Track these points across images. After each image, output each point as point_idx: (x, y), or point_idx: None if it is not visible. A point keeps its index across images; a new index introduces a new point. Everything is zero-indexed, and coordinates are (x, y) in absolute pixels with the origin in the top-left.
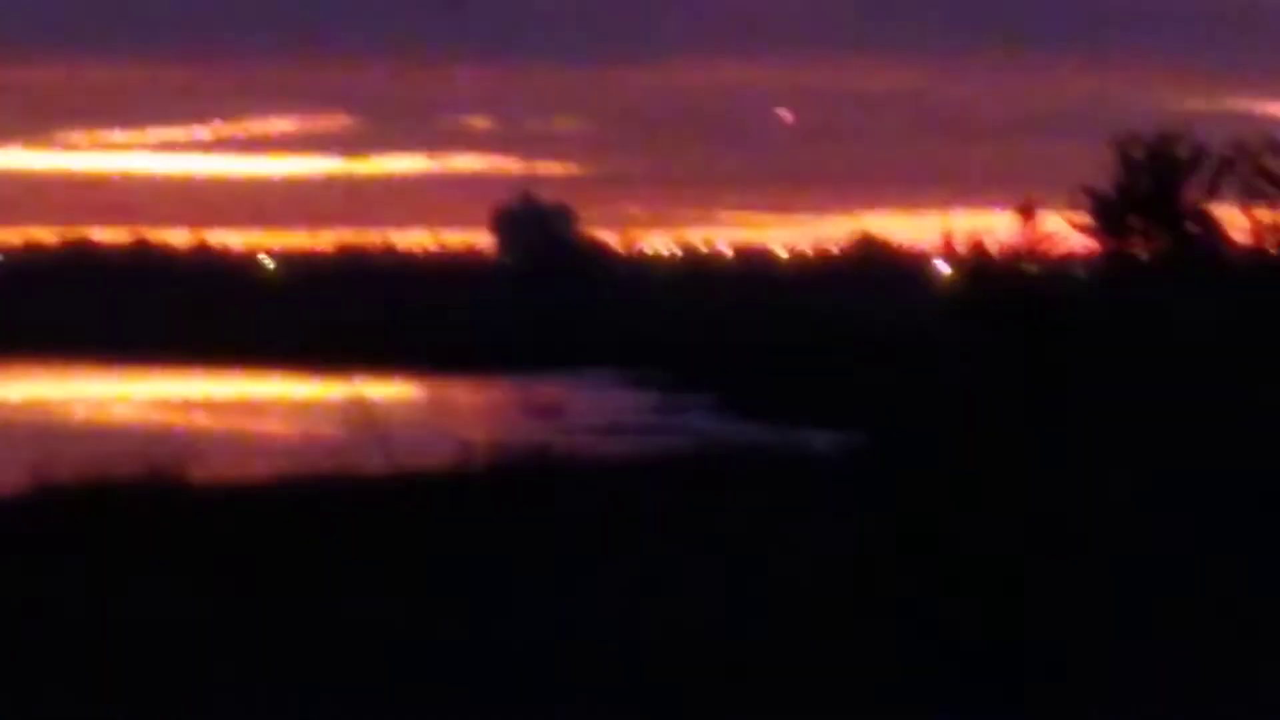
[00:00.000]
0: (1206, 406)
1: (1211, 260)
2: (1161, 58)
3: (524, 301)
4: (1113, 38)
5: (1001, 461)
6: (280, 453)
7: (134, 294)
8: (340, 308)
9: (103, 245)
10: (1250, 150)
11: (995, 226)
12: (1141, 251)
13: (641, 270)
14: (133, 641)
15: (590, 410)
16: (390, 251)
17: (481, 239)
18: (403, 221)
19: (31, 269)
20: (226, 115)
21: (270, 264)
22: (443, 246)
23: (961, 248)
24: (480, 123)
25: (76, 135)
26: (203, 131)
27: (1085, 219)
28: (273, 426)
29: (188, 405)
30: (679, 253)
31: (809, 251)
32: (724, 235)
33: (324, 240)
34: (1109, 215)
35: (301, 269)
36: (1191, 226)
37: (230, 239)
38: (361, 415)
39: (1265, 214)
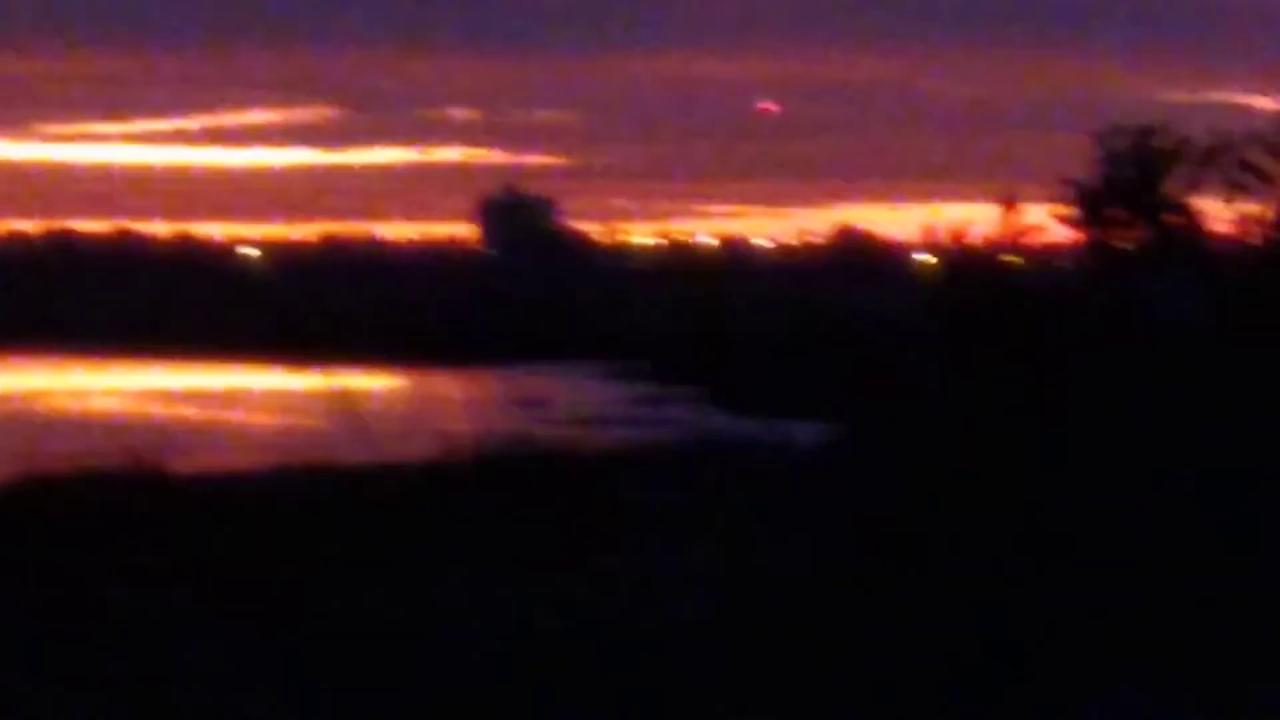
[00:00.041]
0: (1191, 400)
1: (1194, 253)
2: (1146, 49)
3: (508, 293)
4: (1096, 29)
5: (983, 454)
6: (263, 444)
7: (116, 285)
8: (323, 299)
9: (85, 236)
10: (1233, 142)
11: (977, 218)
12: (1124, 243)
13: (625, 262)
14: (113, 631)
15: (574, 402)
16: (373, 243)
17: (465, 231)
18: (386, 213)
19: (12, 260)
20: (209, 107)
21: (252, 255)
22: (426, 238)
23: (943, 239)
24: (463, 114)
25: (58, 126)
26: (185, 123)
27: (1067, 211)
28: (255, 418)
29: (170, 396)
30: (663, 244)
31: (792, 243)
32: (707, 227)
33: (306, 231)
34: (1091, 207)
35: (284, 260)
36: (1174, 218)
37: (212, 230)
38: (344, 406)
39: (1248, 206)
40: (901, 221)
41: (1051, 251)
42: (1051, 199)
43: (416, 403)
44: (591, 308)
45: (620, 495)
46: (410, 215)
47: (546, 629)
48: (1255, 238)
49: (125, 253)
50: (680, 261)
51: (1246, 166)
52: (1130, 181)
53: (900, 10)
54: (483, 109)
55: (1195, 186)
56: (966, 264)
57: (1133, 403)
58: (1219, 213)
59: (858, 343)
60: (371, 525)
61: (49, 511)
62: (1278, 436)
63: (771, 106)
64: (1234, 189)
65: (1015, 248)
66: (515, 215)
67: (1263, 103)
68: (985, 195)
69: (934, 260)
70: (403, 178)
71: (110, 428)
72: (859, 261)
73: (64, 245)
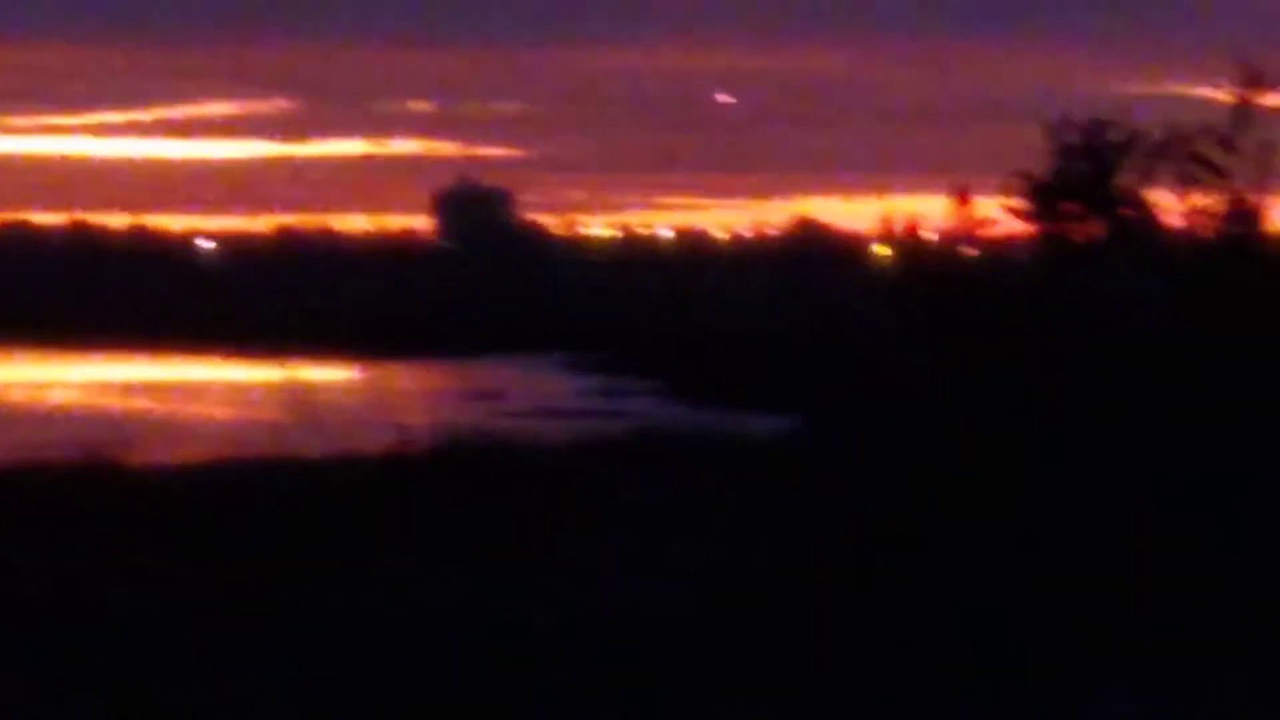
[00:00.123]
0: (1148, 391)
1: (1147, 246)
2: (1101, 41)
3: (464, 285)
4: (1052, 21)
5: (946, 445)
6: (217, 436)
7: (72, 277)
8: (279, 291)
9: (41, 228)
10: (1185, 135)
11: (933, 211)
12: (1077, 236)
13: (581, 253)
14: (60, 624)
15: (531, 394)
16: (329, 235)
17: (421, 223)
18: (342, 205)
19: None
20: (165, 99)
21: (208, 247)
22: (382, 230)
23: (898, 231)
24: (419, 106)
25: (14, 118)
26: (140, 115)
27: (1020, 204)
28: (210, 410)
29: (125, 388)
30: (620, 236)
31: (748, 235)
32: (663, 219)
33: (263, 224)
34: (1043, 200)
35: (240, 253)
36: (1127, 211)
37: (168, 222)
38: (300, 399)
39: (1200, 199)
40: (858, 214)
41: (1009, 244)
42: (1004, 192)
43: (373, 395)
44: (548, 300)
45: (578, 487)
46: (366, 207)
47: (502, 620)
48: (1208, 230)
49: (81, 245)
50: (637, 253)
51: (1198, 160)
52: (1082, 175)
53: (857, 1)
54: (438, 101)
55: (1148, 180)
56: (921, 257)
57: (1090, 395)
58: (1172, 206)
59: (817, 334)
60: (326, 517)
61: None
62: (1233, 427)
63: (729, 99)
64: (1186, 182)
65: (970, 240)
66: (471, 207)
67: (1217, 94)
68: (943, 188)
69: (890, 252)
70: (358, 170)
71: (65, 420)
72: (816, 253)
73: (21, 237)
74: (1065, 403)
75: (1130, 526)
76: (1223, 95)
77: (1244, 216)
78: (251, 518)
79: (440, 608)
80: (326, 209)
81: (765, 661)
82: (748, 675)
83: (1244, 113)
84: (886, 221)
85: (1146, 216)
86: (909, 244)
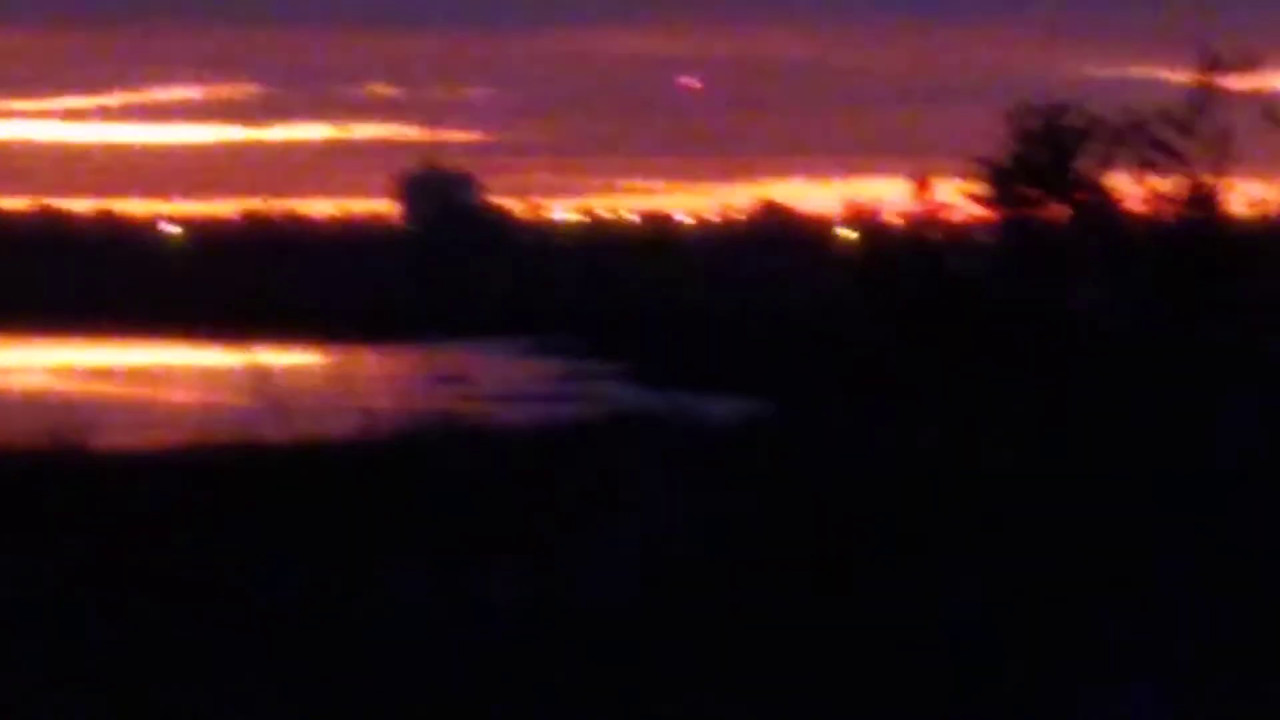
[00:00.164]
0: (1106, 379)
1: (1107, 231)
2: (1064, 24)
3: (429, 269)
4: (1015, 5)
5: (909, 428)
6: (182, 421)
7: (37, 262)
8: (244, 276)
9: (6, 213)
10: (1144, 120)
11: (898, 195)
12: (1036, 221)
13: (546, 237)
14: (24, 610)
15: (496, 378)
16: (294, 220)
17: (386, 207)
18: (307, 189)
19: None
20: (130, 83)
21: (174, 232)
22: (347, 214)
23: (862, 216)
24: (384, 90)
25: None
26: (106, 99)
27: (979, 189)
28: (175, 395)
29: (90, 373)
30: (585, 220)
31: (714, 219)
32: (629, 203)
33: (228, 208)
34: (1003, 185)
35: (205, 237)
36: (1086, 197)
37: (134, 207)
38: (264, 384)
39: (1160, 184)
40: (823, 197)
41: (970, 228)
42: (964, 177)
43: (338, 380)
44: (513, 284)
45: (542, 471)
46: (331, 192)
47: (465, 606)
48: (1168, 215)
49: (46, 229)
50: (602, 237)
51: (1157, 145)
52: (1042, 160)
53: None
54: (404, 85)
55: (1108, 165)
56: (883, 241)
57: (1050, 381)
58: (1132, 191)
59: (780, 318)
60: (290, 502)
61: None
62: (1189, 410)
63: (693, 83)
64: (1146, 167)
65: (932, 224)
66: (436, 192)
67: (1176, 78)
68: (907, 171)
69: (854, 236)
70: (324, 154)
71: (29, 405)
72: (781, 236)
73: None
74: (1030, 388)
75: (1102, 511)
76: (1182, 78)
77: (1203, 201)
78: (219, 505)
79: (411, 595)
80: (292, 193)
81: (715, 654)
82: (705, 668)
83: (1203, 96)
84: (852, 205)
85: (1106, 202)
86: (872, 228)
